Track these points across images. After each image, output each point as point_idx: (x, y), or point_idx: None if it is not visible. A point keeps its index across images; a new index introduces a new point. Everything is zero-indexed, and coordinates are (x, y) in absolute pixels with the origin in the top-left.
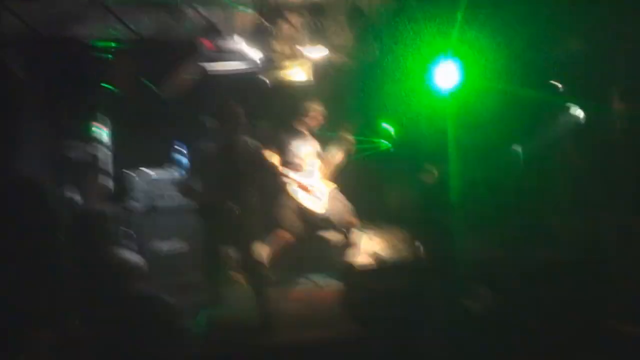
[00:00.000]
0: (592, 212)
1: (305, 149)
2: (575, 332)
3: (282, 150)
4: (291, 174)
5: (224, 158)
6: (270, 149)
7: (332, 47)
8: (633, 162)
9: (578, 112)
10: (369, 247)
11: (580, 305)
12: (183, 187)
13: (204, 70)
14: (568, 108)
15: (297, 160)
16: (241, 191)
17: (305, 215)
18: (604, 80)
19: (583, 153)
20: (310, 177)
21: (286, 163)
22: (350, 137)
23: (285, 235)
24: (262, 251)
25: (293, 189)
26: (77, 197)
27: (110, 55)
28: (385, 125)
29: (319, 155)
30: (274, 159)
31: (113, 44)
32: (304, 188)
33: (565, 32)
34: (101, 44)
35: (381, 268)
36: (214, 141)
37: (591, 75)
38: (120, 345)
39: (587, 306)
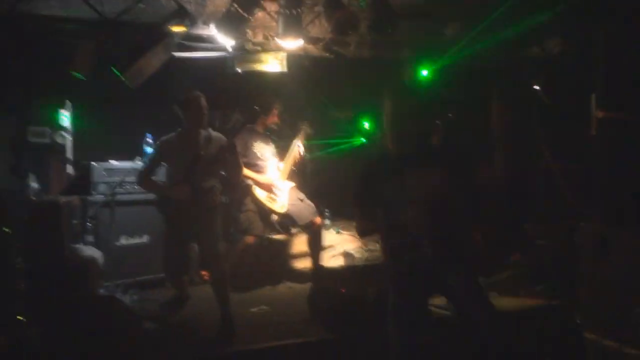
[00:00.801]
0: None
1: (264, 146)
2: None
3: (247, 145)
4: (254, 173)
5: (185, 149)
6: (236, 142)
7: (308, 38)
8: None
9: None
10: (339, 246)
11: None
12: (140, 177)
13: (172, 56)
14: None
15: (255, 157)
16: (203, 185)
17: (267, 213)
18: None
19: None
20: (270, 175)
21: (245, 160)
22: (302, 133)
23: (250, 240)
24: (226, 250)
25: (254, 187)
26: (34, 186)
27: (73, 38)
28: (360, 120)
29: (274, 152)
30: (238, 154)
31: (77, 26)
32: (265, 187)
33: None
34: (65, 25)
35: (352, 268)
36: (176, 131)
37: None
38: (75, 348)
39: None
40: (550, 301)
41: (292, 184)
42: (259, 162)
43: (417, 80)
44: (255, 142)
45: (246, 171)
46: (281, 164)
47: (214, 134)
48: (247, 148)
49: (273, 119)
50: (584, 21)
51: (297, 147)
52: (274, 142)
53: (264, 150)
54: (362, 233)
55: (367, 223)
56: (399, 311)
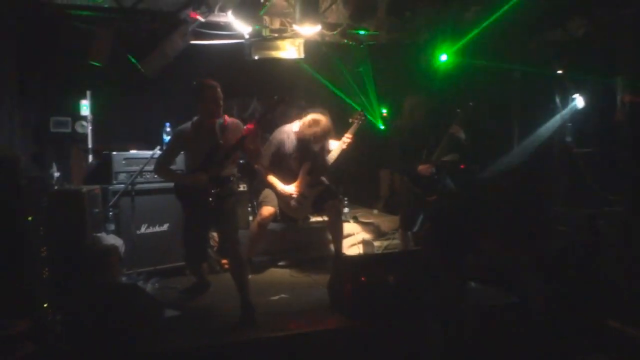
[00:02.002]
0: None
1: (298, 155)
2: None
3: (280, 151)
4: (279, 183)
5: (201, 139)
6: (271, 142)
7: (325, 24)
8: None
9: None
10: (358, 235)
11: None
12: (157, 166)
13: (189, 44)
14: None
15: (286, 165)
16: (221, 174)
17: (289, 203)
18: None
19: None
20: (298, 181)
21: (280, 162)
22: (352, 133)
23: (266, 211)
24: (245, 237)
25: (279, 195)
26: (56, 175)
27: (91, 26)
28: (379, 107)
29: (309, 157)
30: (257, 142)
31: (95, 14)
32: (289, 197)
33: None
34: (82, 13)
35: (371, 256)
36: (192, 120)
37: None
38: (96, 334)
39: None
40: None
41: (321, 188)
42: (290, 168)
43: (434, 71)
44: (290, 150)
45: (271, 179)
46: (309, 149)
47: (230, 120)
48: (280, 155)
49: (311, 135)
50: (609, 1)
51: (345, 142)
52: (303, 124)
53: (297, 159)
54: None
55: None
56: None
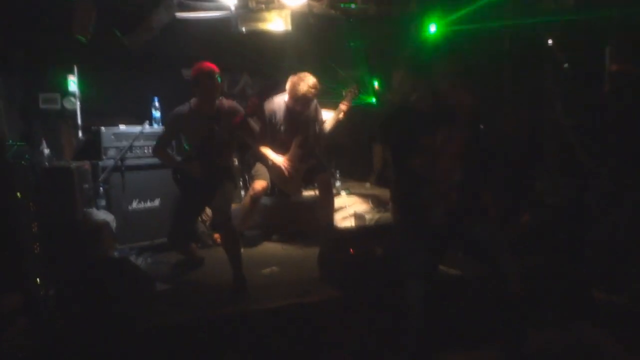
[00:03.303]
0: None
1: (291, 127)
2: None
3: (273, 120)
4: (272, 153)
5: (197, 123)
6: (264, 110)
7: None
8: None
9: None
10: (350, 208)
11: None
12: (155, 148)
13: (175, 17)
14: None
15: (279, 136)
16: (218, 161)
17: (282, 175)
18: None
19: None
20: (290, 154)
21: (273, 133)
22: (344, 107)
23: (258, 185)
24: (237, 211)
25: (270, 168)
26: (46, 152)
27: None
28: (371, 81)
29: (302, 128)
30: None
31: None
32: (282, 170)
33: None
34: None
35: (362, 229)
36: (189, 102)
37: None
38: (88, 309)
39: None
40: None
41: (313, 162)
42: (281, 141)
43: (424, 43)
44: (284, 122)
45: (266, 151)
46: (301, 123)
47: (227, 104)
48: (271, 126)
49: (306, 103)
50: None
51: (338, 113)
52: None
53: (288, 131)
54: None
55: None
56: (415, 268)
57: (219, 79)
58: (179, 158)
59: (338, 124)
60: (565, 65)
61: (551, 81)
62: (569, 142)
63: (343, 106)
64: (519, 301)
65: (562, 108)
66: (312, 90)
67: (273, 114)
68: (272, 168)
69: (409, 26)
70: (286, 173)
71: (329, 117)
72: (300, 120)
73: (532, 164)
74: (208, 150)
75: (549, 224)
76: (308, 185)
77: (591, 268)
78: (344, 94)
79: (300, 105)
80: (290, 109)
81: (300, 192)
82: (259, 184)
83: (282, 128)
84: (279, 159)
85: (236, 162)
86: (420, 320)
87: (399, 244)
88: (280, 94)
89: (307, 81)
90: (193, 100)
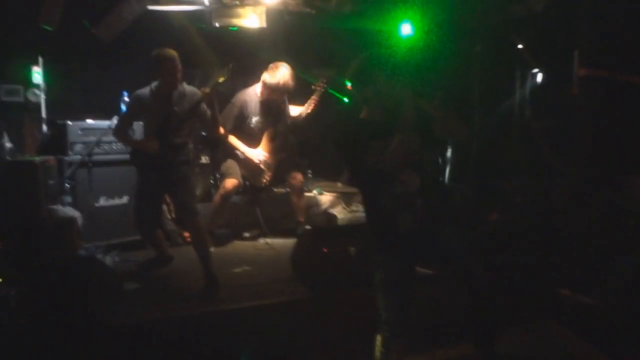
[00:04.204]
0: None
1: (262, 118)
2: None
3: (244, 113)
4: (243, 146)
5: (158, 106)
6: (213, 113)
7: None
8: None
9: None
10: (323, 207)
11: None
12: (115, 129)
13: (147, 10)
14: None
15: (249, 129)
16: (175, 140)
17: (253, 169)
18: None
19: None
20: (261, 147)
21: (245, 128)
22: (313, 101)
23: (229, 184)
24: (206, 208)
25: (241, 162)
26: (8, 146)
27: None
28: (343, 79)
29: (272, 121)
30: (215, 124)
31: None
32: (254, 163)
33: None
34: None
35: (334, 228)
36: (151, 85)
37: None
38: (53, 309)
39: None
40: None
41: (283, 155)
42: (252, 133)
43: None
44: (255, 114)
45: (236, 142)
46: (272, 120)
47: (188, 88)
48: (244, 119)
49: (281, 95)
50: None
51: (309, 107)
52: (268, 95)
53: (261, 123)
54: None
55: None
56: (394, 283)
57: (178, 63)
58: None
59: (307, 118)
60: (535, 68)
61: (520, 84)
62: (537, 144)
63: (313, 99)
64: (486, 300)
65: (530, 110)
66: (290, 81)
67: (245, 104)
68: (244, 161)
69: (383, 25)
70: (260, 165)
71: (298, 111)
72: (271, 113)
73: (499, 164)
74: (165, 129)
75: (516, 223)
76: (280, 182)
77: (558, 267)
78: (313, 87)
79: (278, 94)
80: (263, 101)
81: (271, 189)
82: (230, 182)
83: (253, 120)
84: (252, 151)
85: (207, 160)
86: (396, 327)
87: (371, 253)
88: (252, 85)
89: (286, 71)
90: (154, 84)
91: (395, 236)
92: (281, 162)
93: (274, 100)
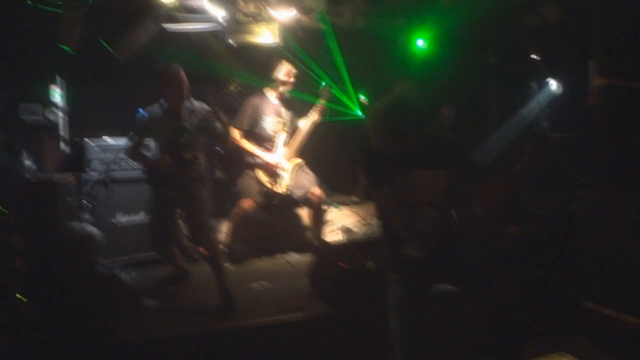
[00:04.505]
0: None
1: (276, 119)
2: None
3: (257, 116)
4: (260, 150)
5: (167, 122)
6: (230, 116)
7: (302, 8)
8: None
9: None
10: (338, 221)
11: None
12: (128, 148)
13: (163, 28)
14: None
15: (265, 132)
16: (185, 155)
17: (268, 192)
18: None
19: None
20: (276, 152)
21: (255, 131)
22: (320, 106)
23: (246, 204)
24: (222, 224)
25: (257, 168)
26: (28, 164)
27: (60, 10)
28: (358, 93)
29: (285, 125)
30: (225, 135)
31: None
32: (270, 166)
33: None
34: None
35: (351, 243)
36: (160, 103)
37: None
38: (73, 326)
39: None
40: (547, 272)
41: (298, 161)
42: (268, 137)
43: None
44: (266, 114)
45: (252, 148)
46: (288, 135)
47: (197, 104)
48: (257, 121)
49: (287, 86)
50: None
51: (317, 112)
52: (287, 112)
53: (274, 124)
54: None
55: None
56: (403, 303)
57: (184, 77)
58: None
59: (314, 125)
60: (550, 79)
61: (536, 95)
62: (555, 155)
63: (318, 106)
64: (510, 315)
65: (547, 121)
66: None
67: (257, 104)
68: (261, 166)
69: (396, 40)
70: (277, 168)
71: (306, 120)
72: (282, 115)
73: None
74: (176, 145)
75: (537, 235)
76: (299, 198)
77: (581, 280)
78: (318, 91)
79: (288, 84)
80: (274, 105)
81: (290, 198)
82: (246, 202)
83: (266, 120)
84: (268, 154)
85: (222, 175)
86: (408, 345)
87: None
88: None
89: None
90: (162, 100)
91: (405, 262)
92: (299, 173)
93: (283, 93)
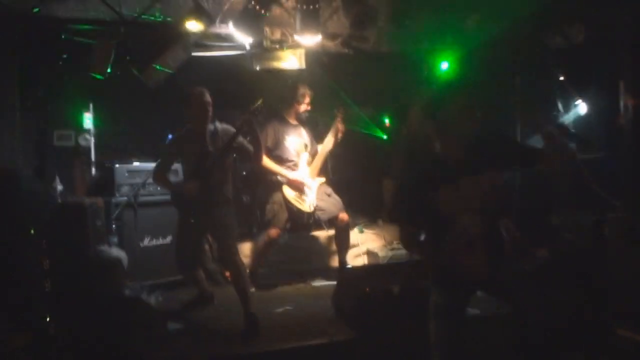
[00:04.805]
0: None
1: (297, 140)
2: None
3: (272, 138)
4: (284, 170)
5: (193, 145)
6: (255, 138)
7: (326, 34)
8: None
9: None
10: (363, 245)
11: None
12: (154, 173)
13: (191, 55)
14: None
15: (287, 152)
16: (211, 180)
17: (295, 212)
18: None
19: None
20: (301, 172)
21: (276, 153)
22: (343, 129)
23: (274, 232)
24: (248, 248)
25: (283, 186)
26: (59, 188)
27: (91, 39)
28: (381, 115)
29: (307, 146)
30: (258, 149)
31: (96, 27)
32: (295, 185)
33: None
34: (82, 26)
35: (376, 267)
36: (184, 127)
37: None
38: (98, 348)
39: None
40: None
41: (322, 180)
42: (291, 157)
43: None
44: (288, 135)
45: (277, 168)
46: (313, 159)
47: (221, 127)
48: (279, 141)
49: (305, 107)
50: (606, 5)
51: (336, 130)
52: (307, 132)
53: (296, 144)
54: (409, 245)
55: (413, 236)
56: (444, 311)
57: (208, 99)
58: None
59: (334, 147)
60: (578, 99)
61: (563, 116)
62: (585, 177)
63: (336, 126)
64: (542, 340)
65: (575, 142)
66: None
67: (275, 125)
68: (287, 184)
69: (421, 63)
70: (304, 185)
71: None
72: (301, 134)
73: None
74: (202, 169)
75: (567, 258)
76: (325, 223)
77: (614, 306)
78: (335, 112)
79: (306, 108)
80: (293, 126)
81: (316, 221)
82: (275, 232)
83: (287, 139)
84: (293, 172)
85: (248, 199)
86: (446, 353)
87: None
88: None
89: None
90: (187, 124)
91: (450, 271)
92: (325, 197)
93: (301, 115)
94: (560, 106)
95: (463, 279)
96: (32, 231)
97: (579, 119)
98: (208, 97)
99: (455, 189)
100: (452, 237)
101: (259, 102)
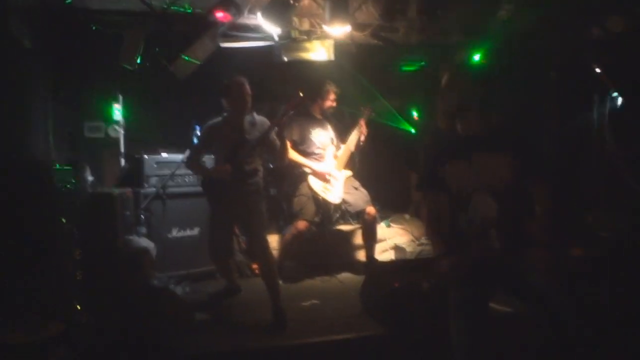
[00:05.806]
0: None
1: (323, 133)
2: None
3: (298, 133)
4: (311, 162)
5: (229, 134)
6: (292, 128)
7: (355, 24)
8: None
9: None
10: (390, 240)
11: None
12: (187, 159)
13: (219, 47)
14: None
15: (313, 145)
16: (245, 167)
17: (322, 205)
18: None
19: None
20: (327, 164)
21: (302, 147)
22: (366, 131)
23: (302, 225)
24: (276, 240)
25: (309, 176)
26: (90, 179)
27: (121, 30)
28: (409, 109)
29: (332, 139)
30: (288, 142)
31: (126, 18)
32: (321, 176)
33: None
34: (112, 17)
35: (404, 262)
36: (222, 116)
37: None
38: (127, 337)
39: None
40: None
41: (349, 173)
42: (317, 150)
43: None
44: (313, 128)
45: (303, 159)
46: (339, 152)
47: (258, 117)
48: (305, 135)
49: (330, 103)
50: None
51: (359, 131)
52: (332, 126)
53: (321, 137)
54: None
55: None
56: (463, 308)
57: (248, 88)
58: None
59: (359, 142)
60: (614, 93)
61: (599, 109)
62: (621, 173)
63: (361, 124)
64: (573, 343)
65: (612, 137)
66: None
67: (301, 119)
68: (313, 175)
69: (452, 55)
70: (330, 176)
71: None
72: (326, 128)
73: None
74: (237, 156)
75: (604, 259)
76: (355, 219)
77: None
78: (361, 109)
79: (331, 102)
80: (318, 120)
81: (343, 215)
82: (302, 224)
83: (312, 132)
84: (319, 164)
85: (274, 192)
86: (466, 353)
87: (445, 276)
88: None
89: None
90: (225, 114)
91: (466, 262)
92: (353, 191)
93: (327, 109)
94: (596, 100)
95: (478, 264)
96: (64, 221)
97: (617, 113)
98: (248, 88)
99: (468, 165)
100: (468, 218)
101: (299, 95)
